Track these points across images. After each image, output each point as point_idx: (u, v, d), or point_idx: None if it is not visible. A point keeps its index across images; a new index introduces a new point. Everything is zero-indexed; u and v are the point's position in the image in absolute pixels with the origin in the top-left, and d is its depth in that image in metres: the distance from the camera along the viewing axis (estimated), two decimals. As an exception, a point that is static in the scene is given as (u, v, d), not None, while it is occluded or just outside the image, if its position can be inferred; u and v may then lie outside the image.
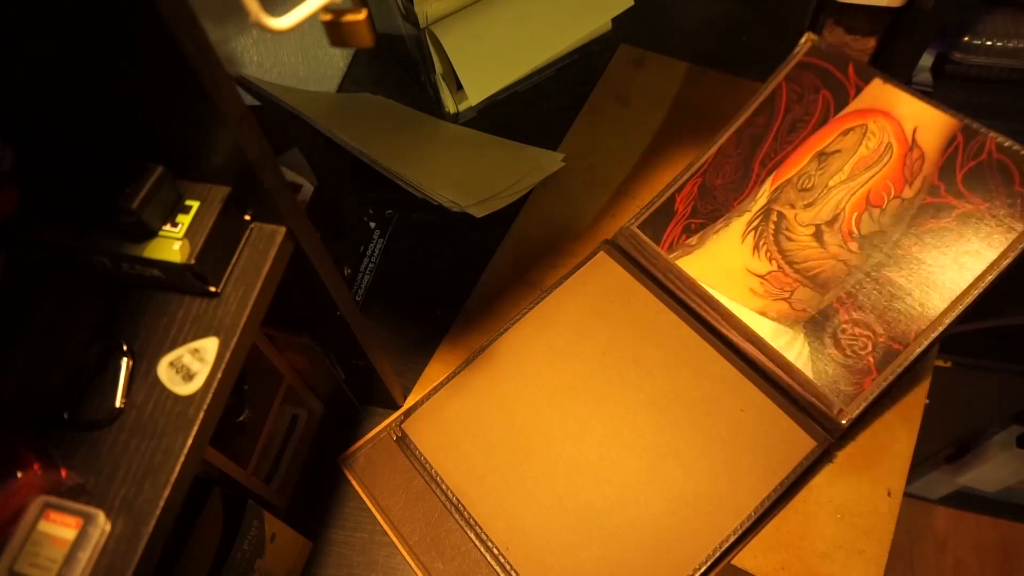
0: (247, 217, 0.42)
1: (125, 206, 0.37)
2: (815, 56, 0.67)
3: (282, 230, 0.42)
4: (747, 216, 0.66)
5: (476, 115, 0.85)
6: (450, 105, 0.83)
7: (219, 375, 0.38)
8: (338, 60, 0.90)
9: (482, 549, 0.58)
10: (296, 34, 0.82)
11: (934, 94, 0.73)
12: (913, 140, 0.61)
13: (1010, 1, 0.75)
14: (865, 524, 0.58)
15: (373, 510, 0.62)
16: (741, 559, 0.57)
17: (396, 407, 0.67)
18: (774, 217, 0.64)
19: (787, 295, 0.62)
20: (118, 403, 0.38)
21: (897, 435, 0.61)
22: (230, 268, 0.41)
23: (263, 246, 0.42)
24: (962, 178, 0.58)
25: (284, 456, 0.64)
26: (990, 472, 1.02)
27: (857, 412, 0.57)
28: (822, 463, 0.60)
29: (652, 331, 0.65)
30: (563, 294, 0.68)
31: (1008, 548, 1.24)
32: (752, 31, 0.87)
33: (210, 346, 0.39)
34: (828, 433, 0.59)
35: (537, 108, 0.85)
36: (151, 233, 0.39)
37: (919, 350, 0.56)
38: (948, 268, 0.57)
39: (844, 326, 0.59)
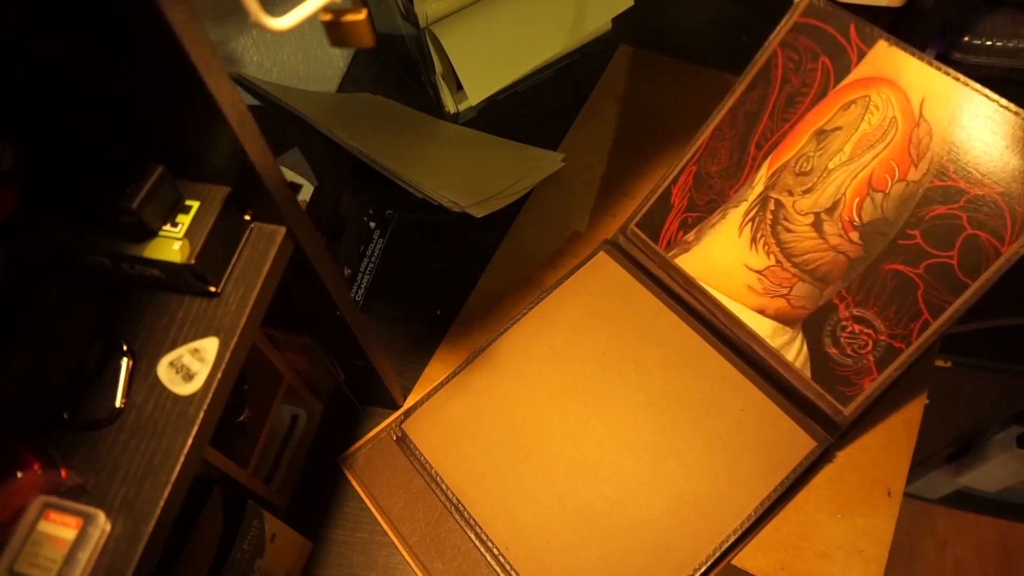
0: (247, 217, 0.42)
1: (125, 206, 0.37)
2: (812, 16, 0.60)
3: (282, 230, 0.42)
4: (744, 206, 0.63)
5: (476, 115, 0.85)
6: (450, 105, 0.83)
7: (219, 375, 0.38)
8: (338, 60, 0.90)
9: (482, 549, 0.58)
10: (296, 34, 0.82)
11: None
12: (920, 113, 0.55)
13: (1010, 1, 0.75)
14: (865, 524, 0.58)
15: (373, 510, 0.62)
16: (741, 559, 0.57)
17: (396, 407, 0.67)
18: (771, 206, 0.61)
19: (785, 291, 0.60)
20: (118, 403, 0.38)
21: (897, 435, 0.61)
22: (230, 268, 0.41)
23: (263, 246, 0.42)
24: (973, 158, 0.53)
25: (284, 456, 0.64)
26: (990, 472, 1.01)
27: (857, 413, 0.57)
28: (822, 463, 0.60)
29: (652, 331, 0.65)
30: (563, 294, 0.68)
31: (1008, 548, 1.24)
32: (752, 31, 0.86)
33: (210, 346, 0.39)
34: (828, 433, 0.59)
35: (537, 108, 0.85)
36: (151, 233, 0.39)
37: (922, 348, 0.54)
38: (957, 259, 0.53)
39: (844, 323, 0.58)
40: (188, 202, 0.40)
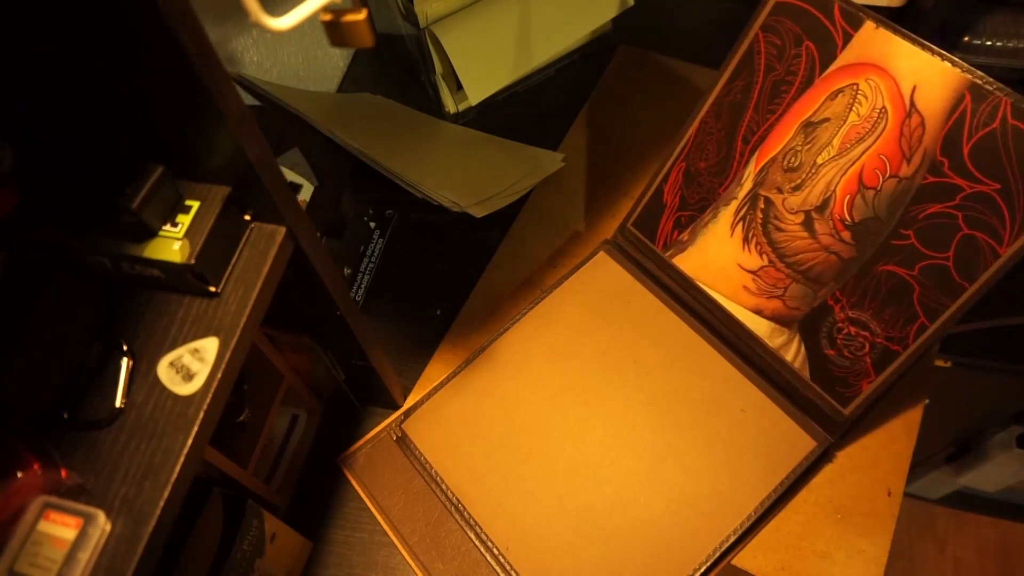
0: (247, 217, 0.42)
1: (125, 206, 0.37)
2: None
3: (282, 230, 0.42)
4: (734, 204, 0.61)
5: (476, 115, 0.85)
6: (450, 105, 0.83)
7: (219, 375, 0.38)
8: (338, 60, 0.90)
9: (482, 549, 0.58)
10: (296, 34, 0.82)
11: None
12: (911, 103, 0.51)
13: (1010, 1, 0.75)
14: (865, 524, 0.58)
15: (373, 510, 0.62)
16: (741, 559, 0.57)
17: (396, 407, 0.67)
18: (761, 204, 0.59)
19: (780, 292, 0.60)
20: (118, 403, 0.38)
21: (897, 435, 0.61)
22: (230, 268, 0.41)
23: (263, 246, 0.42)
24: (969, 152, 0.49)
25: (284, 456, 0.64)
26: (990, 472, 1.01)
27: (857, 413, 0.57)
28: (822, 463, 0.60)
29: (652, 331, 0.65)
30: (563, 294, 0.68)
31: (1008, 548, 1.24)
32: (752, 31, 0.87)
33: (210, 346, 0.39)
34: (828, 433, 0.59)
35: (537, 108, 0.85)
36: (151, 233, 0.39)
37: (920, 352, 0.53)
38: (953, 260, 0.51)
39: (840, 325, 0.57)
40: (188, 202, 0.40)
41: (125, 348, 0.40)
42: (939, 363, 0.71)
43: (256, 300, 0.41)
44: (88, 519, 0.34)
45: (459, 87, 0.80)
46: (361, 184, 0.76)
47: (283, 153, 0.67)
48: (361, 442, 0.65)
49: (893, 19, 0.70)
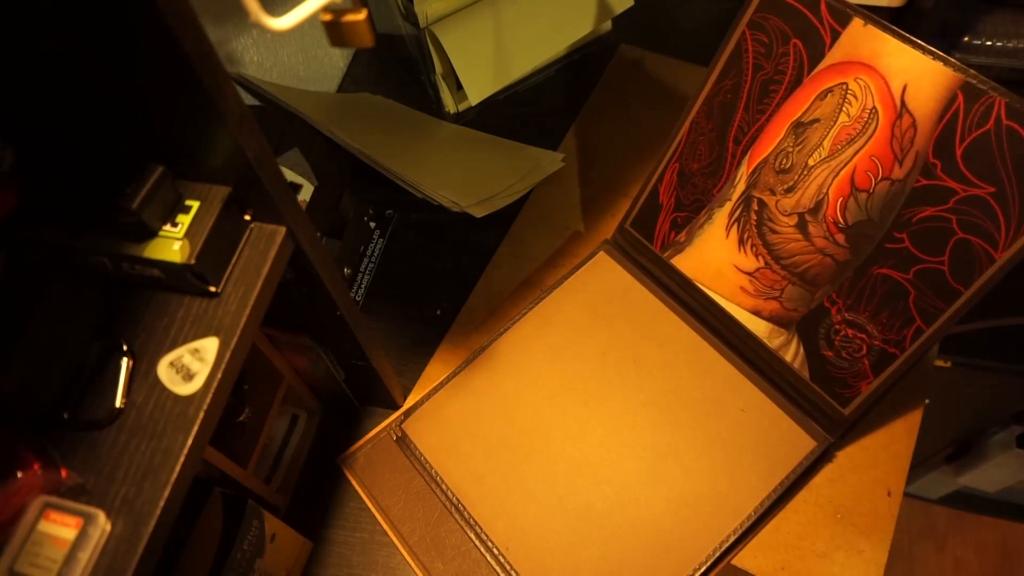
0: (247, 217, 0.42)
1: (125, 206, 0.37)
2: None
3: (282, 230, 0.42)
4: (728, 206, 0.61)
5: (476, 115, 0.85)
6: (450, 105, 0.83)
7: (219, 375, 0.38)
8: (338, 60, 0.90)
9: (482, 549, 0.58)
10: (296, 34, 0.82)
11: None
12: (902, 103, 0.50)
13: (1010, 1, 0.75)
14: (865, 524, 0.58)
15: (373, 510, 0.62)
16: (741, 559, 0.57)
17: (396, 407, 0.67)
18: (755, 206, 0.59)
19: (777, 294, 0.59)
20: (118, 403, 0.38)
21: (897, 435, 0.61)
22: (230, 268, 0.41)
23: (263, 246, 0.42)
24: (962, 154, 0.48)
25: (284, 456, 0.64)
26: (990, 472, 1.01)
27: (857, 414, 0.57)
28: (822, 463, 0.60)
29: (652, 331, 0.65)
30: (563, 294, 0.68)
31: (1008, 548, 1.24)
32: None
33: (210, 346, 0.39)
34: (828, 433, 0.59)
35: (537, 108, 0.85)
36: (151, 233, 0.39)
37: (918, 355, 0.53)
38: (948, 265, 0.50)
39: (837, 327, 0.57)
40: (188, 202, 0.40)
41: (125, 348, 0.40)
42: (939, 363, 0.71)
43: (256, 300, 0.41)
44: (88, 519, 0.34)
45: (459, 87, 0.80)
46: (361, 184, 0.76)
47: (283, 153, 0.67)
48: (361, 442, 0.65)
49: (893, 19, 0.70)
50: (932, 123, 0.49)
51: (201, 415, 0.37)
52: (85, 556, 0.34)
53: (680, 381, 0.62)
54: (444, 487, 0.60)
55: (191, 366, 0.39)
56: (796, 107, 0.56)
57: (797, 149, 0.55)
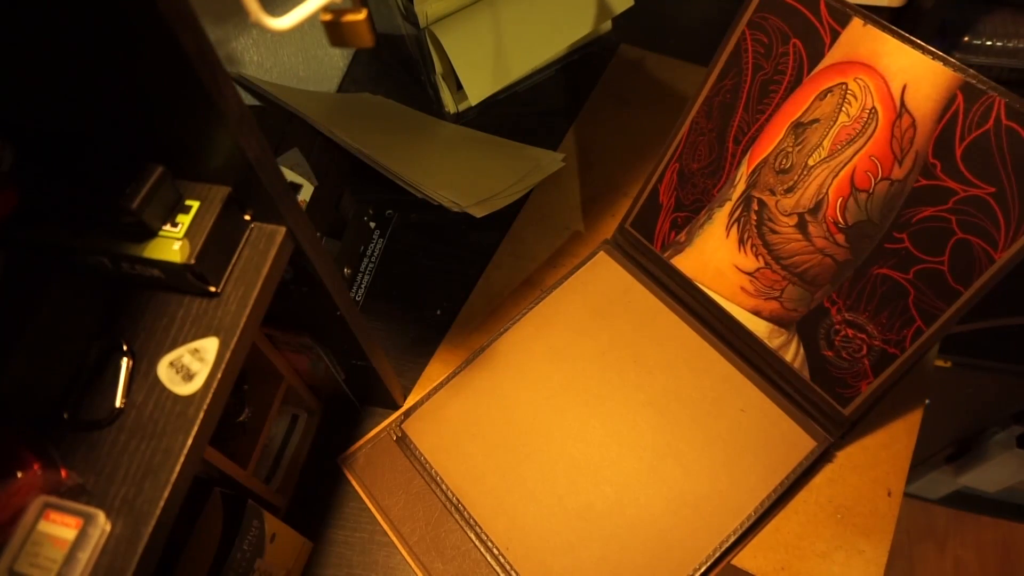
0: (247, 217, 0.42)
1: (125, 206, 0.37)
2: None
3: (282, 230, 0.42)
4: (728, 206, 0.61)
5: (476, 115, 0.85)
6: (450, 105, 0.83)
7: (219, 375, 0.38)
8: (338, 60, 0.90)
9: (482, 549, 0.58)
10: (296, 34, 0.82)
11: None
12: (901, 103, 0.50)
13: (1010, 1, 0.75)
14: (865, 524, 0.58)
15: (373, 510, 0.62)
16: (741, 559, 0.57)
17: (396, 407, 0.67)
18: (755, 206, 0.59)
19: (777, 294, 0.59)
20: (118, 403, 0.38)
21: (897, 435, 0.61)
22: (230, 268, 0.41)
23: (263, 246, 0.42)
24: (962, 154, 0.48)
25: (284, 456, 0.64)
26: (990, 472, 1.01)
27: (856, 414, 0.57)
28: (822, 463, 0.60)
29: (652, 331, 0.65)
30: (563, 294, 0.68)
31: (1008, 548, 1.24)
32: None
33: (210, 346, 0.39)
34: (828, 433, 0.59)
35: (537, 108, 0.85)
36: (151, 233, 0.39)
37: (918, 355, 0.53)
38: (948, 265, 0.50)
39: (837, 327, 0.57)
40: (188, 202, 0.40)
41: (125, 348, 0.40)
42: (939, 363, 0.71)
43: (256, 300, 0.41)
44: (88, 519, 0.34)
45: (459, 87, 0.80)
46: (361, 184, 0.76)
47: (283, 153, 0.67)
48: (361, 442, 0.65)
49: (893, 20, 0.70)
50: (932, 123, 0.49)
51: (201, 415, 0.37)
52: (85, 556, 0.34)
53: (680, 381, 0.62)
54: (444, 487, 0.60)
55: (191, 366, 0.39)
56: (796, 107, 0.56)
57: (797, 149, 0.56)
